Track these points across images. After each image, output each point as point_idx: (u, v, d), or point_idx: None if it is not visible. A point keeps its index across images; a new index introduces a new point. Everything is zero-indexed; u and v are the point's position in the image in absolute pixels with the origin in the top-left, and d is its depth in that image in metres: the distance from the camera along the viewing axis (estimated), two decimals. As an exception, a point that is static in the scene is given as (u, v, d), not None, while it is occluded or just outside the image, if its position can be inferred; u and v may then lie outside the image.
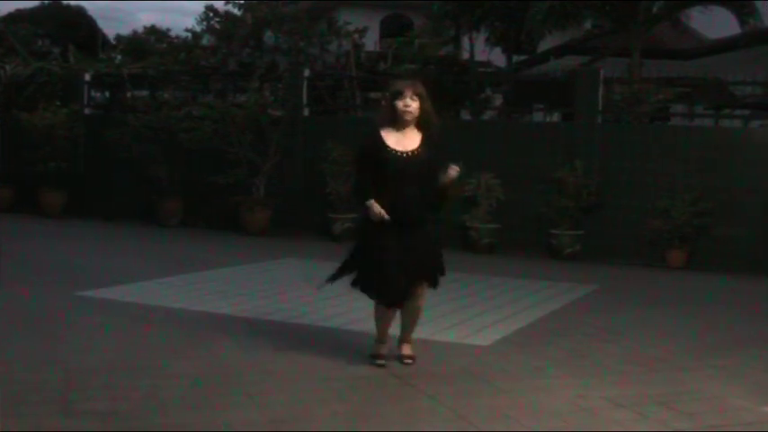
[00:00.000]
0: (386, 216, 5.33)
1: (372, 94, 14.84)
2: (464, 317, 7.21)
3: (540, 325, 7.13)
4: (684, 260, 10.89)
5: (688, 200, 10.74)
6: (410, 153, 5.44)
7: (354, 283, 5.64)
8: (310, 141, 12.77)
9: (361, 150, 5.64)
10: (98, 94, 15.72)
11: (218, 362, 5.57)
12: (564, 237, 11.27)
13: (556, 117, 14.58)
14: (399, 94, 5.46)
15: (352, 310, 7.22)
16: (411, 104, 5.45)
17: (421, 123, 5.53)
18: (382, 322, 5.71)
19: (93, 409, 4.51)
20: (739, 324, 7.52)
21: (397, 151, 5.43)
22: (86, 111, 14.78)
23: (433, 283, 5.63)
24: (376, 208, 5.36)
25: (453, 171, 5.45)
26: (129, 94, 15.06)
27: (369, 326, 6.67)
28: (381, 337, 5.77)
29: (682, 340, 6.73)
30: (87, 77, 14.93)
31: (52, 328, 6.33)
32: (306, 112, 13.26)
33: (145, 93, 15.08)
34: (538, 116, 14.82)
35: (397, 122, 5.50)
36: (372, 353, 5.75)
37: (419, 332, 6.51)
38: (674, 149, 11.23)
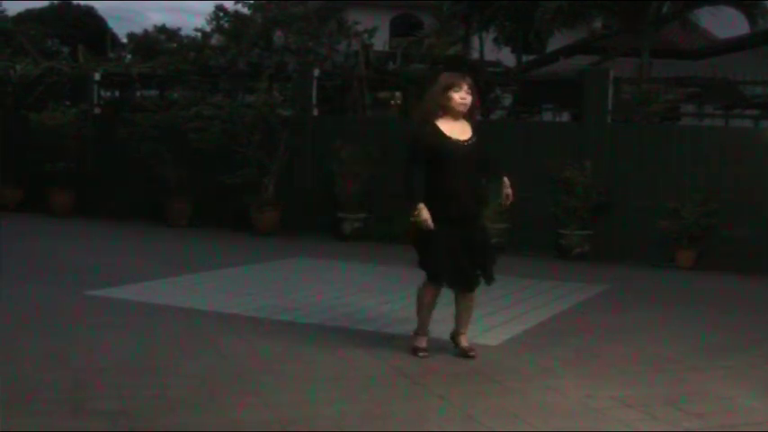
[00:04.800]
0: (431, 226, 5.36)
1: (381, 94, 14.83)
2: (473, 316, 7.17)
3: (549, 325, 7.12)
4: (693, 260, 10.86)
5: (697, 200, 10.72)
6: (466, 142, 5.58)
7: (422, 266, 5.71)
8: (319, 141, 12.78)
9: (418, 138, 5.60)
10: (107, 94, 15.74)
11: (226, 361, 5.58)
12: (573, 237, 11.25)
13: (565, 117, 14.56)
14: (457, 86, 5.57)
15: (361, 310, 7.23)
16: (467, 97, 5.58)
17: (468, 115, 5.66)
18: (426, 311, 5.76)
19: (101, 408, 4.52)
20: (748, 324, 7.49)
21: (455, 139, 5.53)
22: (95, 110, 14.81)
23: (488, 278, 5.73)
24: (424, 214, 5.39)
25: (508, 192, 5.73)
26: (138, 94, 15.09)
27: (377, 326, 6.69)
28: (423, 328, 5.81)
29: (690, 340, 6.71)
30: (96, 77, 14.95)
31: (61, 328, 6.35)
32: (315, 111, 13.28)
33: (154, 92, 15.09)
34: (547, 116, 14.78)
35: (450, 113, 5.59)
36: (415, 345, 5.77)
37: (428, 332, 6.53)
38: (683, 150, 11.21)
